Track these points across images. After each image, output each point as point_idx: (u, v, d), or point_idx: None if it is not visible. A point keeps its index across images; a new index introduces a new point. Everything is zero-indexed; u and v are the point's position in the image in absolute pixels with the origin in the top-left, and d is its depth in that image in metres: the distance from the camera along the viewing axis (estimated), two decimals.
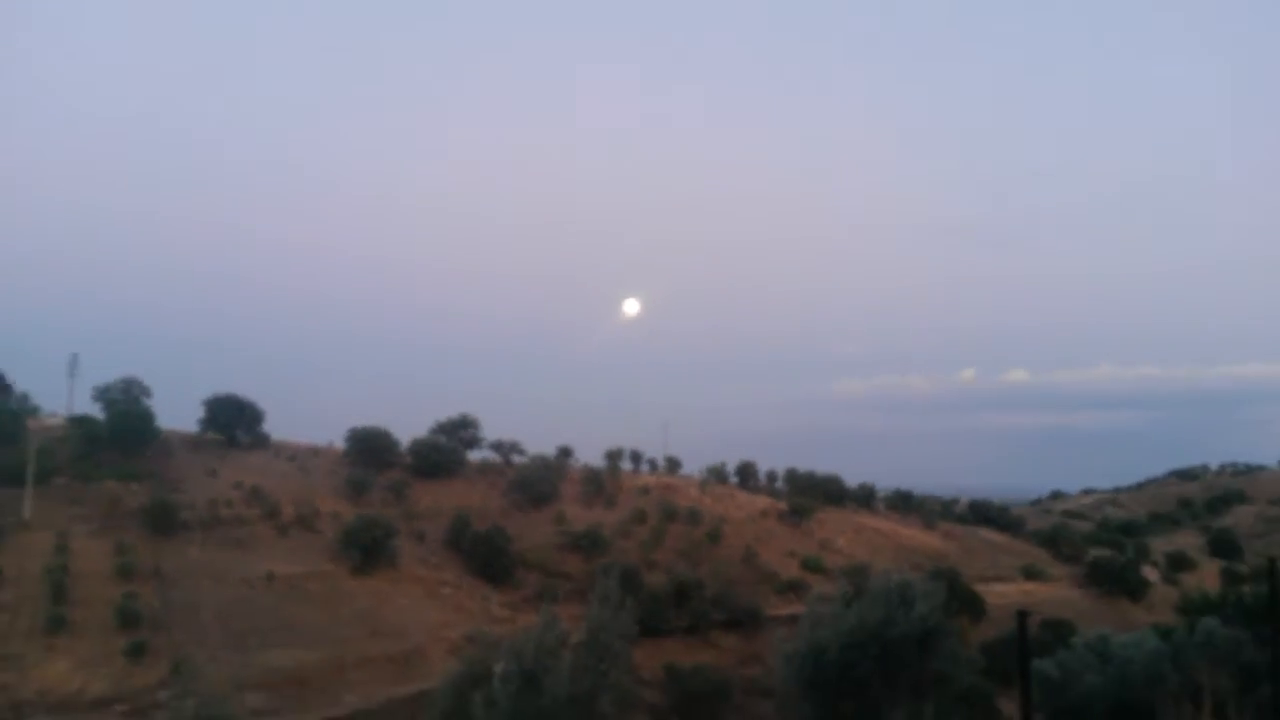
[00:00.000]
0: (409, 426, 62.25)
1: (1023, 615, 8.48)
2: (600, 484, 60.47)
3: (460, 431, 62.28)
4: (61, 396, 54.64)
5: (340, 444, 58.26)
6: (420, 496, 51.47)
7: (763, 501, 66.30)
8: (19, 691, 23.64)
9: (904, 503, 79.66)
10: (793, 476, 75.62)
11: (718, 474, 74.57)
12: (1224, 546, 67.24)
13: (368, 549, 37.45)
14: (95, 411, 50.63)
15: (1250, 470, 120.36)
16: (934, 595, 14.67)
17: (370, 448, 56.59)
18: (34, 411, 52.42)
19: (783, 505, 64.69)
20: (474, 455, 63.05)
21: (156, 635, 27.47)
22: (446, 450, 59.32)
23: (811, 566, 51.20)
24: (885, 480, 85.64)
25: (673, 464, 73.80)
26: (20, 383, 54.30)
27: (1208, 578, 56.36)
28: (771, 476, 77.23)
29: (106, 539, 35.00)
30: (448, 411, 64.46)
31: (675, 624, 38.70)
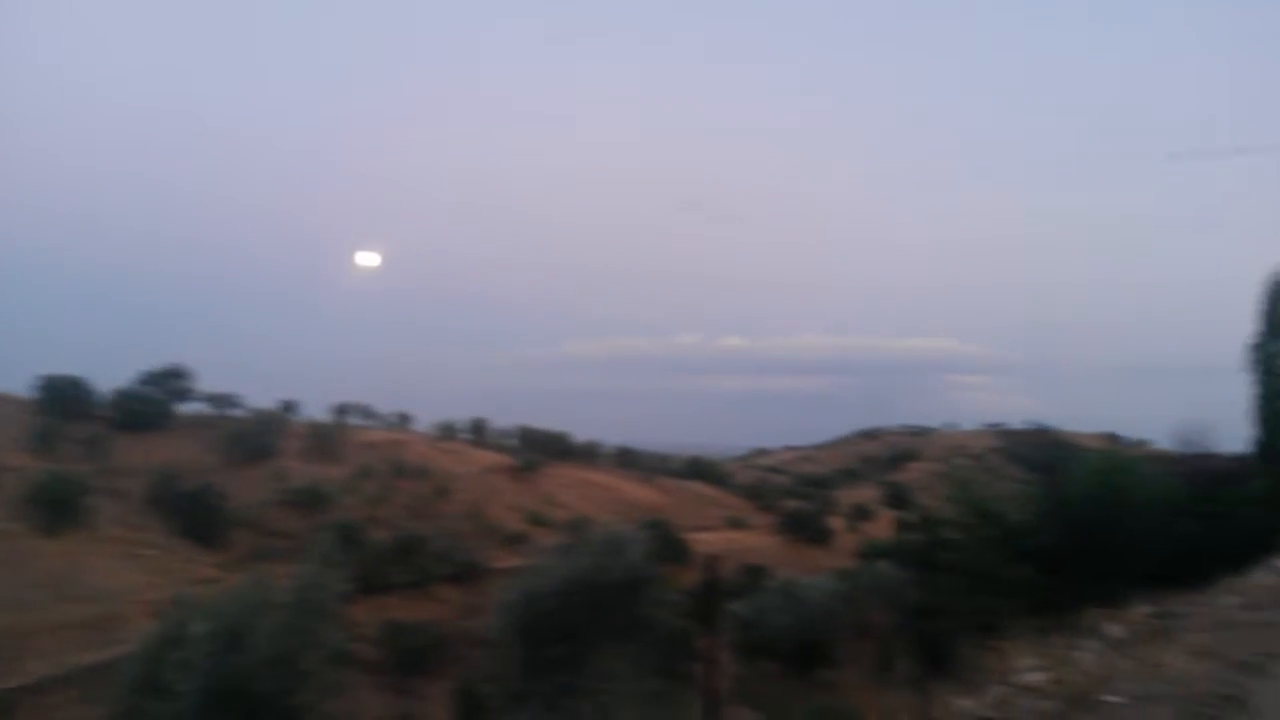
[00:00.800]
0: (113, 375, 56.37)
1: (712, 560, 9.33)
2: (326, 439, 58.19)
3: (170, 382, 57.33)
4: None
5: (26, 393, 51.84)
6: (123, 452, 46.96)
7: (492, 457, 66.74)
8: None
9: (626, 458, 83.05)
10: (523, 433, 76.59)
11: (449, 430, 74.05)
12: (898, 498, 75.78)
13: (57, 507, 33.80)
14: None
15: (924, 431, 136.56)
16: (642, 544, 15.73)
17: (63, 397, 50.79)
18: None
19: (511, 461, 65.48)
20: (187, 408, 58.43)
21: None
22: (153, 402, 54.47)
23: (536, 520, 52.34)
24: (612, 437, 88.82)
25: (403, 419, 72.40)
26: None
27: (883, 526, 63.42)
28: (503, 433, 77.84)
29: None
30: (160, 360, 59.19)
31: (399, 580, 38.28)
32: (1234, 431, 27.71)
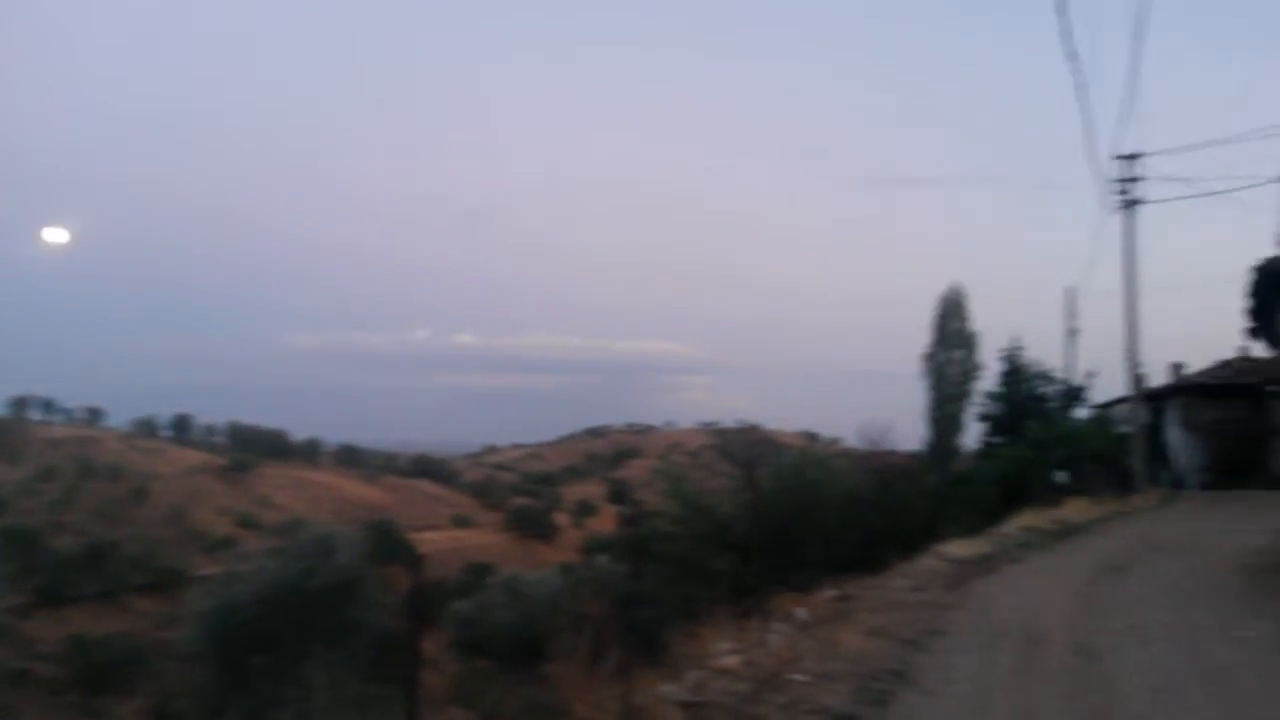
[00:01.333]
0: None
1: (418, 559, 9.16)
2: (1, 435, 51.46)
3: None
4: None
5: None
6: None
7: (198, 456, 61.98)
8: None
9: (349, 457, 79.87)
10: (233, 430, 71.59)
11: (148, 427, 67.78)
12: (620, 494, 78.24)
13: None
14: None
15: (645, 429, 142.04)
16: (356, 546, 15.22)
17: None
18: None
19: (220, 460, 61.10)
20: None
21: None
22: None
23: (246, 523, 49.13)
24: (338, 435, 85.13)
25: (94, 415, 65.44)
26: None
27: (606, 521, 65.28)
28: (211, 430, 72.33)
29: None
30: None
31: (87, 590, 34.65)
32: (911, 432, 31.20)
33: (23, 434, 54.78)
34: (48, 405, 64.06)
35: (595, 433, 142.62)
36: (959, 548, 13.97)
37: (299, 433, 76.59)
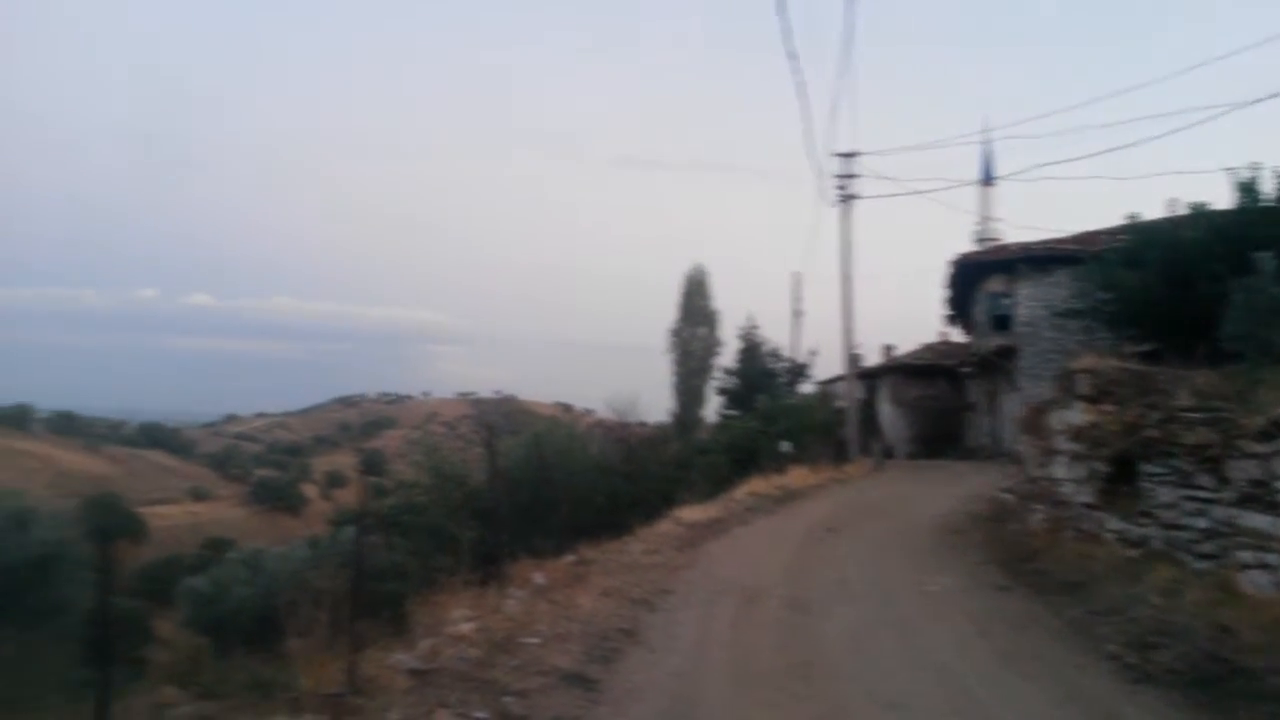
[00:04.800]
0: None
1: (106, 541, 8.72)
2: None
3: None
4: None
5: None
6: None
7: None
8: None
9: (66, 425, 72.59)
10: None
11: None
12: (373, 465, 76.07)
13: None
14: None
15: (401, 399, 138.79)
16: (61, 519, 14.08)
17: None
18: None
19: None
20: None
21: None
22: None
23: None
24: (53, 401, 77.09)
25: None
26: None
27: (357, 493, 63.29)
28: None
29: None
30: None
31: None
32: (659, 404, 32.62)
33: None
34: None
35: (347, 402, 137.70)
36: (693, 512, 14.93)
37: (8, 397, 68.92)
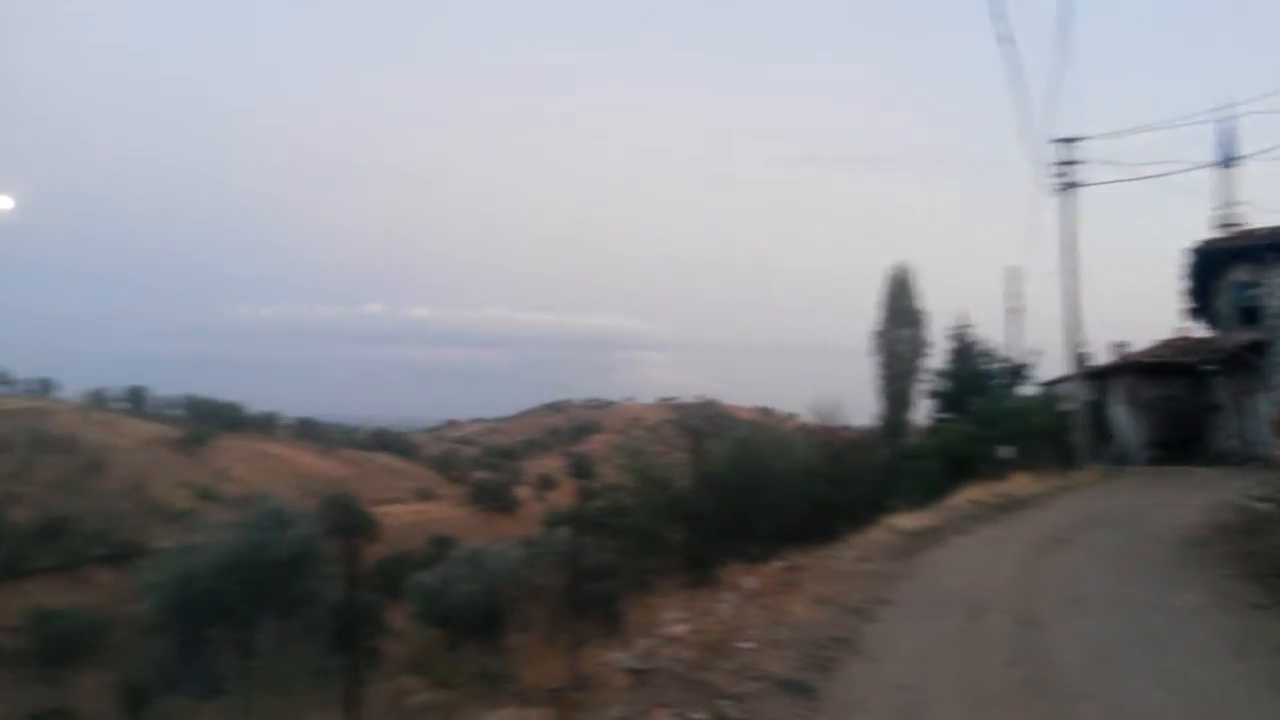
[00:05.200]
0: None
1: (353, 537, 9.29)
2: None
3: None
4: None
5: None
6: None
7: (154, 429, 61.06)
8: None
9: (307, 430, 79.24)
10: (189, 403, 70.66)
11: (101, 399, 66.69)
12: (581, 468, 78.43)
13: None
14: None
15: (605, 404, 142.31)
16: (311, 519, 15.30)
17: None
18: None
19: (176, 433, 60.29)
20: None
21: None
22: None
23: (205, 496, 48.70)
24: (292, 409, 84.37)
25: (45, 386, 64.18)
26: None
27: (567, 495, 65.50)
28: (166, 403, 71.32)
29: None
30: None
31: (44, 563, 34.31)
32: (862, 407, 31.76)
33: None
34: None
35: (555, 407, 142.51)
36: (907, 520, 14.36)
37: (255, 405, 75.96)
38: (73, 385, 67.64)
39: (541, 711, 5.85)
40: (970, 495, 17.43)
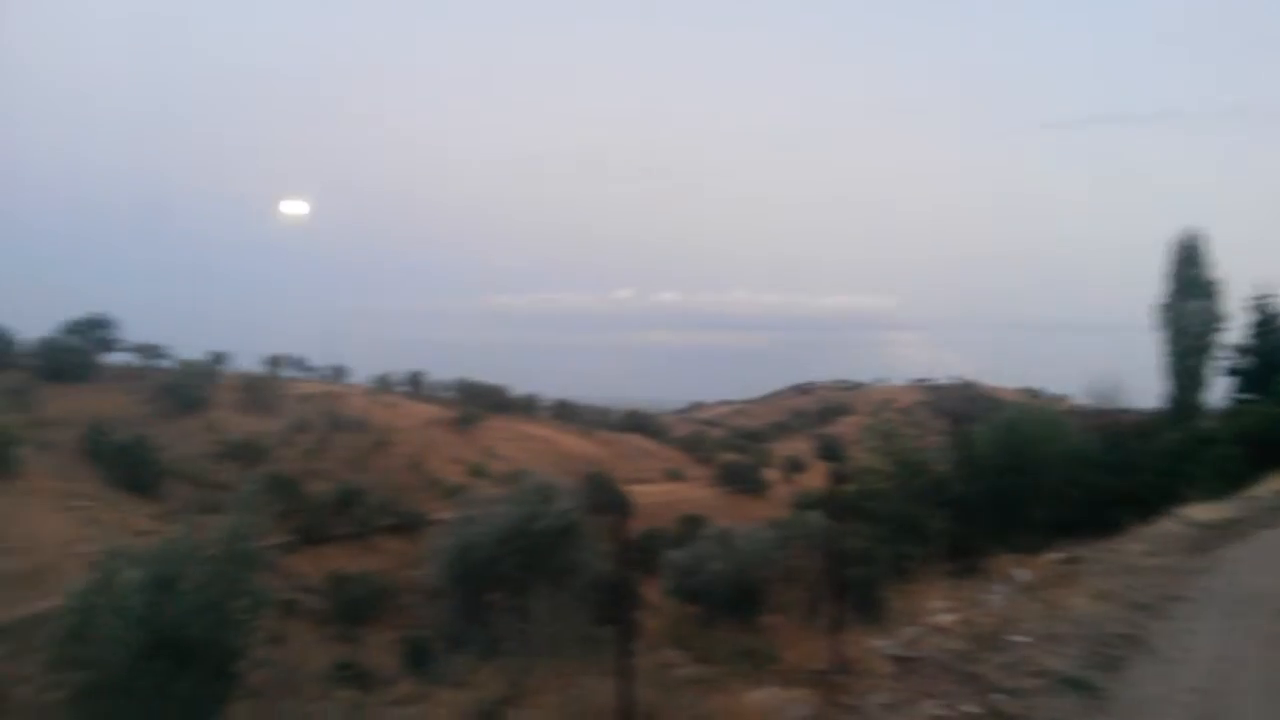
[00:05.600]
0: (30, 325, 54.36)
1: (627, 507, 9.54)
2: (259, 392, 57.15)
3: (94, 332, 55.45)
4: None
5: None
6: (49, 402, 45.45)
7: (431, 410, 66.43)
8: None
9: (565, 412, 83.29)
10: (462, 386, 76.31)
11: (385, 383, 73.45)
12: (829, 451, 77.25)
13: None
14: None
15: (855, 386, 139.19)
16: (574, 494, 16.12)
17: None
18: None
19: (450, 414, 65.26)
20: (112, 358, 56.84)
21: None
22: (78, 351, 52.75)
23: (477, 472, 52.47)
24: (547, 392, 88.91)
25: (338, 372, 71.50)
26: None
27: (816, 477, 64.78)
28: (440, 386, 77.44)
29: None
30: (82, 310, 57.20)
31: (339, 531, 38.26)
32: (1146, 388, 28.96)
33: (277, 390, 60.42)
34: (298, 364, 70.77)
35: (802, 389, 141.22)
36: (1202, 511, 13.04)
37: (517, 388, 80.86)
38: (361, 371, 74.96)
39: (805, 693, 5.82)
40: (1277, 485, 15.53)
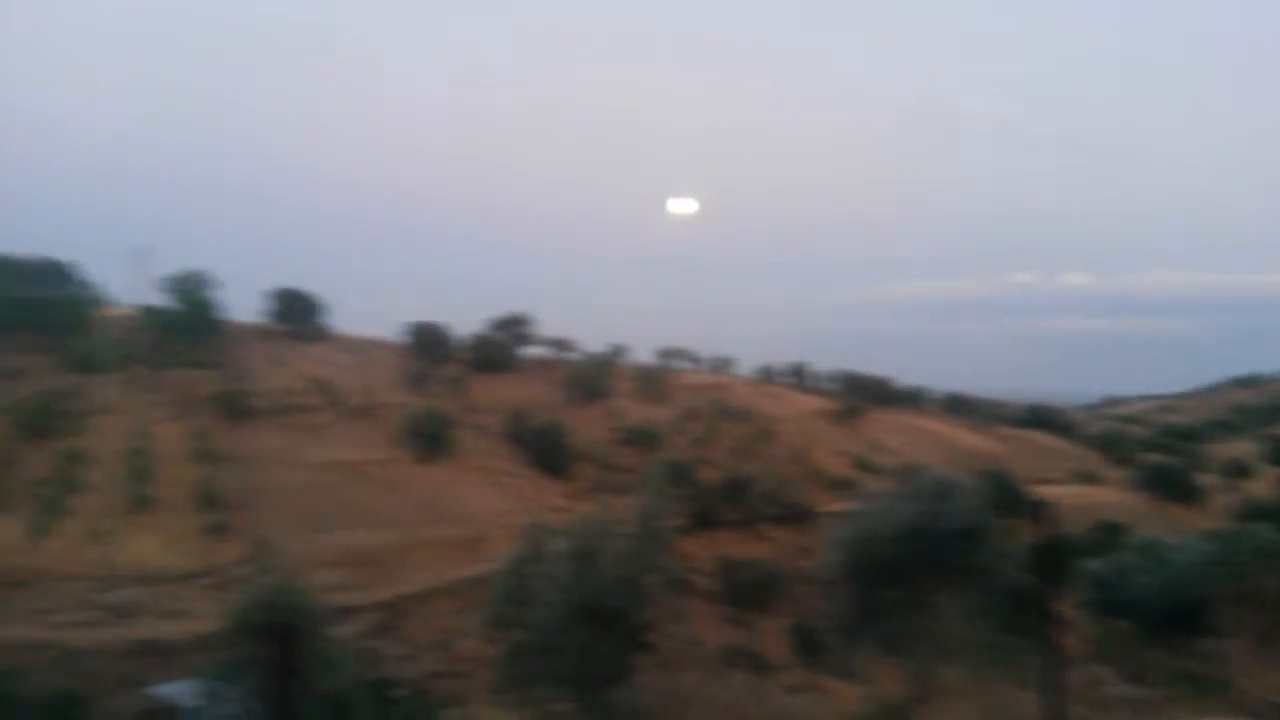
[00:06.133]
0: (462, 322, 62.83)
1: (1049, 510, 8.65)
2: (653, 381, 60.99)
3: (515, 328, 63.00)
4: (127, 287, 55.48)
5: (398, 337, 59.14)
6: (479, 390, 52.43)
7: (814, 401, 66.67)
8: (112, 564, 25.15)
9: (956, 405, 79.59)
10: (844, 377, 75.81)
11: (769, 374, 75.01)
12: None
13: (429, 438, 38.44)
14: (163, 302, 51.40)
15: None
16: (976, 493, 15.09)
17: (428, 341, 57.64)
18: (100, 301, 52.28)
19: (833, 405, 65.03)
20: (530, 351, 63.89)
21: (233, 515, 28.83)
22: (502, 345, 60.27)
23: (863, 465, 51.79)
24: (936, 383, 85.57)
25: (724, 363, 74.20)
26: (85, 273, 54.00)
27: (1265, 485, 55.77)
28: (822, 377, 77.56)
29: (182, 424, 36.43)
30: (502, 308, 65.19)
31: (728, 517, 39.63)
32: None
33: (669, 380, 63.86)
34: (687, 355, 74.27)
35: (1244, 382, 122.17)
36: None
37: (900, 380, 78.48)
38: (746, 361, 77.06)
39: None
40: None
